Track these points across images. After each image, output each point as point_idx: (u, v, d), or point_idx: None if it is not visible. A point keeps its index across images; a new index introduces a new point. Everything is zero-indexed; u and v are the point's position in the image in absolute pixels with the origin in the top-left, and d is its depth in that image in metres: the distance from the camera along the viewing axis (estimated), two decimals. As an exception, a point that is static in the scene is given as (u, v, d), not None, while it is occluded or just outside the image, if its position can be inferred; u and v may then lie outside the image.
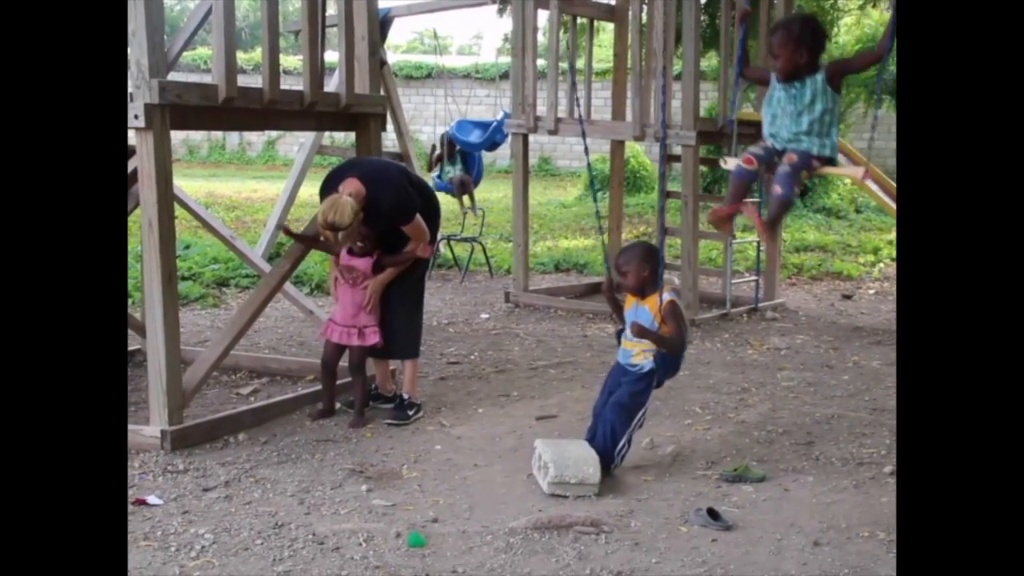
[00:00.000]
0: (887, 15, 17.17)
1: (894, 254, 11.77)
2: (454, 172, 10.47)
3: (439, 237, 8.91)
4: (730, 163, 5.20)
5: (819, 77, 4.57)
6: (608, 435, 4.45)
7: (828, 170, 4.96)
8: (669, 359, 4.45)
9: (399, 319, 5.38)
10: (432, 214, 5.45)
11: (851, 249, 12.33)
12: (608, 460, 4.44)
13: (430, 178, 10.32)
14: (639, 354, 4.44)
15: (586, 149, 5.43)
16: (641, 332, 4.32)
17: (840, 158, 5.23)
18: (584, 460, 4.29)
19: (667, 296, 4.41)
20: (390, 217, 5.12)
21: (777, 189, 4.64)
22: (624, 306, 4.54)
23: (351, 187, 4.98)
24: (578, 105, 5.73)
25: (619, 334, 4.56)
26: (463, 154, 10.54)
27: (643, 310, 4.43)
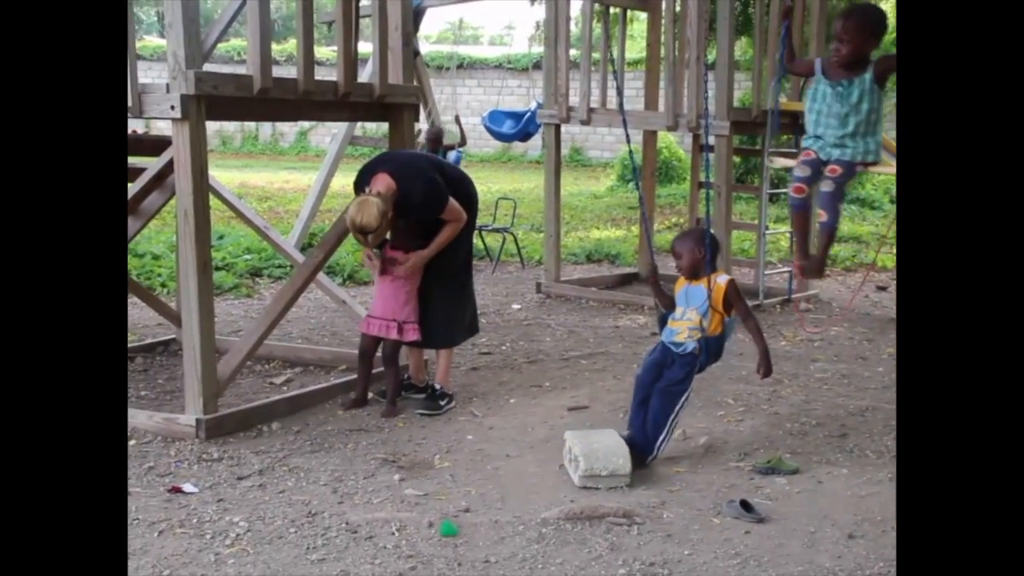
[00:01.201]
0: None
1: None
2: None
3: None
4: (777, 162, 5.20)
5: (867, 76, 4.49)
6: (651, 427, 4.47)
7: (874, 169, 4.93)
8: (713, 343, 4.47)
9: (436, 309, 5.39)
10: (468, 202, 5.45)
11: (886, 240, 12.22)
12: (647, 452, 4.47)
13: None
14: (684, 332, 4.44)
15: (628, 138, 5.47)
16: (767, 364, 4.53)
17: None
18: (614, 451, 4.29)
19: (724, 277, 4.48)
20: (422, 209, 5.15)
21: (822, 215, 4.63)
22: (676, 287, 4.57)
23: (382, 183, 5.02)
24: (619, 95, 5.70)
25: (663, 318, 4.59)
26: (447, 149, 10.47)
27: (698, 288, 4.44)
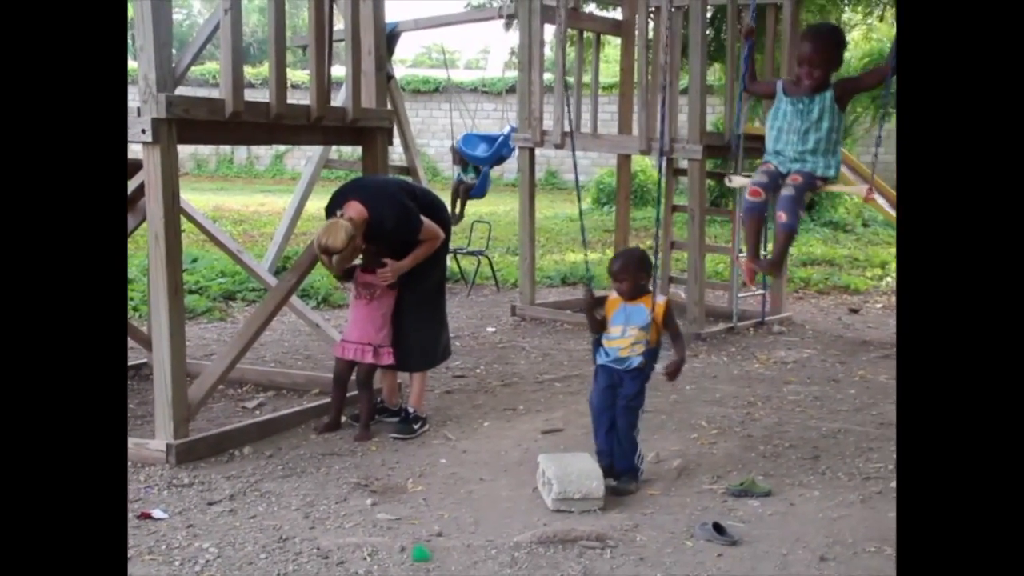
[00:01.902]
0: (895, 31, 17.19)
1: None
2: (465, 177, 10.56)
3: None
4: (736, 181, 5.23)
5: (828, 94, 4.57)
6: (626, 448, 4.50)
7: (833, 187, 4.98)
8: (654, 352, 4.56)
9: (411, 332, 5.38)
10: (441, 226, 5.45)
11: (858, 263, 12.31)
12: (634, 472, 4.51)
13: (451, 177, 10.50)
14: (627, 348, 4.49)
15: (575, 164, 5.60)
16: (678, 373, 4.58)
17: (846, 173, 5.28)
18: (587, 474, 4.29)
19: (662, 298, 4.58)
20: (397, 232, 5.15)
21: (782, 216, 4.66)
22: (606, 313, 4.58)
23: (353, 210, 5.03)
24: (570, 120, 5.86)
25: (597, 342, 4.61)
26: (476, 168, 10.62)
27: (638, 307, 4.51)
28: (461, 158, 10.71)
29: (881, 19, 14.95)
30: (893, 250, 13.15)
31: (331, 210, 5.15)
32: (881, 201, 6.66)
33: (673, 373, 4.56)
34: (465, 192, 10.60)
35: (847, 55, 4.83)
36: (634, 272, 4.51)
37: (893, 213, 6.71)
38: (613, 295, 4.58)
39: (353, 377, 5.38)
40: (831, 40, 4.70)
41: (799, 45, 4.75)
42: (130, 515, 4.10)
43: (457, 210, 10.61)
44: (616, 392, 4.51)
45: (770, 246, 5.43)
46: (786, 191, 4.67)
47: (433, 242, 5.28)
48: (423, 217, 5.20)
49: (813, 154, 4.63)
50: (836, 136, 4.68)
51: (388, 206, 5.13)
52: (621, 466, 4.51)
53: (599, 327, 4.60)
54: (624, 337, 4.49)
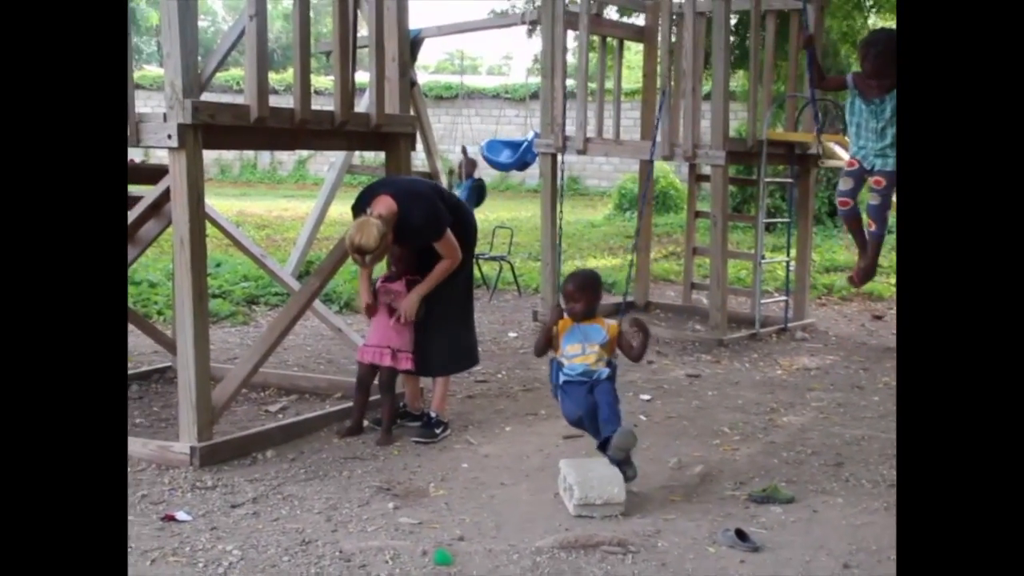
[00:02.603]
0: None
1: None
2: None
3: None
4: (830, 150, 5.65)
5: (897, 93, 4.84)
6: (611, 412, 4.43)
7: None
8: (614, 364, 4.56)
9: (434, 337, 5.39)
10: (467, 230, 5.48)
11: (882, 269, 12.22)
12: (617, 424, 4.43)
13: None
14: (592, 360, 4.46)
15: (562, 170, 5.56)
16: (641, 326, 4.63)
17: None
18: (609, 480, 4.28)
19: (612, 321, 4.61)
20: (421, 233, 5.16)
21: (872, 225, 5.05)
22: (559, 331, 4.54)
23: (383, 204, 5.04)
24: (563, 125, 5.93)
25: (557, 368, 4.55)
26: (479, 191, 10.54)
27: (594, 327, 4.51)
28: (459, 173, 10.59)
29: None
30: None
31: (360, 207, 5.15)
32: None
33: (639, 325, 4.58)
34: None
35: None
36: (589, 293, 4.52)
37: None
38: (565, 315, 4.55)
39: (376, 381, 5.40)
40: (888, 48, 4.95)
41: (860, 59, 5.02)
42: (155, 517, 4.13)
43: None
44: (592, 394, 4.46)
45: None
46: (872, 200, 5.01)
47: (451, 262, 5.27)
48: (449, 231, 5.22)
49: (893, 148, 4.97)
50: None
51: (417, 203, 5.14)
52: (609, 430, 4.38)
53: (545, 348, 4.59)
54: (586, 354, 4.47)
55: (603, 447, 4.44)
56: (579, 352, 4.48)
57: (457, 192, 10.40)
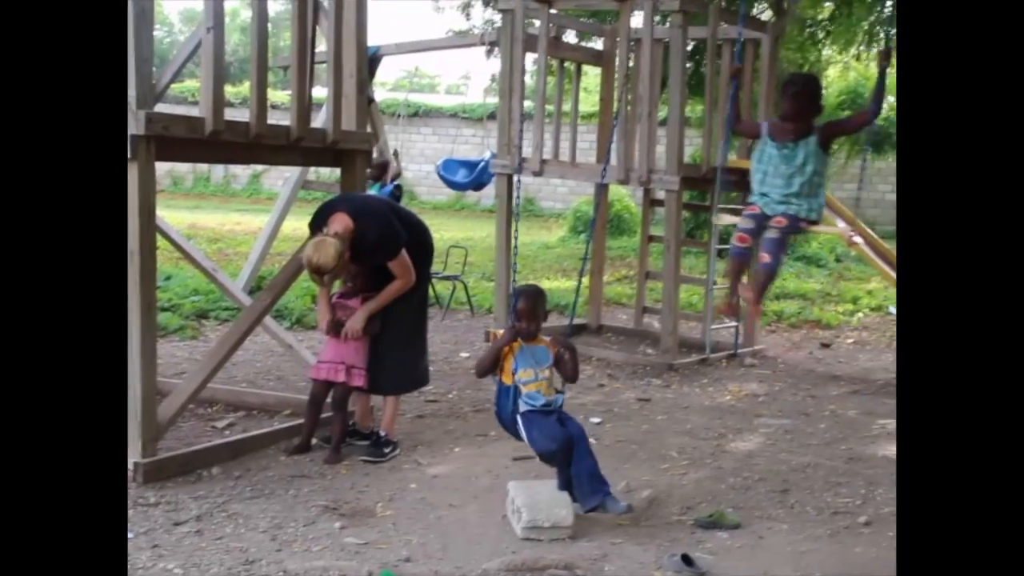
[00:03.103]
0: (871, 69, 17.41)
1: (873, 303, 11.83)
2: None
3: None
4: (723, 219, 5.36)
5: (812, 139, 4.75)
6: (595, 478, 4.43)
7: (816, 229, 5.09)
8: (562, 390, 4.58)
9: (387, 355, 5.37)
10: (424, 250, 5.48)
11: (830, 298, 12.40)
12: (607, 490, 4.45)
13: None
14: (545, 388, 4.46)
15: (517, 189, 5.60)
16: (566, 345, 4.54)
17: (828, 215, 5.47)
18: (557, 503, 4.28)
19: (548, 337, 4.55)
20: (376, 251, 5.15)
21: (765, 257, 4.83)
22: (504, 358, 4.50)
23: (340, 222, 5.02)
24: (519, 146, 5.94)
25: (510, 388, 4.50)
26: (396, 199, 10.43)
27: (540, 349, 4.49)
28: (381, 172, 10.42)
29: (857, 58, 15.13)
30: (865, 286, 13.25)
31: (316, 224, 5.14)
32: (859, 240, 6.77)
33: (563, 344, 4.51)
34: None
35: (824, 92, 5.03)
36: (540, 311, 4.49)
37: (871, 254, 6.84)
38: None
39: (329, 399, 5.36)
40: (807, 92, 4.86)
41: (779, 99, 4.90)
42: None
43: None
44: (561, 426, 4.43)
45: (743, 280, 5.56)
46: (770, 233, 4.82)
47: (404, 282, 5.26)
48: (404, 251, 5.20)
49: (798, 197, 4.79)
50: (820, 179, 4.84)
51: (373, 220, 5.13)
52: (598, 501, 4.40)
53: (492, 368, 4.55)
54: (538, 380, 4.45)
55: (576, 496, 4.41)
56: (532, 378, 4.44)
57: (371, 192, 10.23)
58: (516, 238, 5.48)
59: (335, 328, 5.30)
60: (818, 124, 4.82)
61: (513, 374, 4.47)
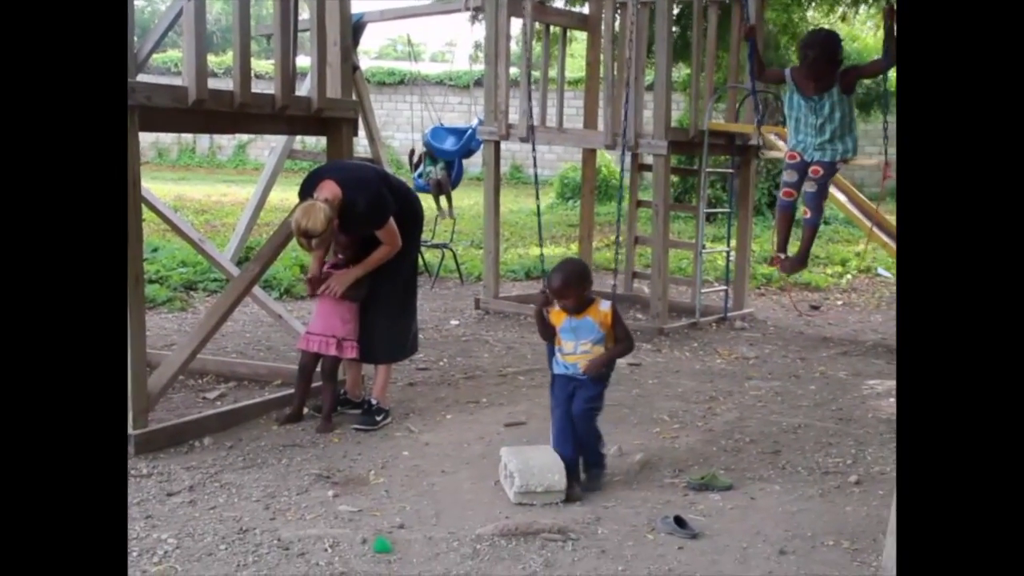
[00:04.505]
0: (855, 30, 17.35)
1: (862, 265, 11.87)
2: (435, 172, 10.42)
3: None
4: (770, 143, 5.79)
5: (835, 90, 5.16)
6: (592, 445, 4.47)
7: (854, 162, 5.37)
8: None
9: (379, 324, 5.36)
10: (414, 218, 5.46)
11: (819, 260, 12.42)
12: (600, 467, 4.49)
13: (411, 179, 10.33)
14: (584, 363, 4.41)
15: (535, 158, 5.72)
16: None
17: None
18: (549, 468, 4.29)
19: (606, 304, 4.43)
20: (365, 219, 5.12)
21: (807, 213, 5.19)
22: (554, 322, 4.46)
23: (328, 189, 4.99)
24: (530, 115, 6.04)
25: (552, 350, 4.52)
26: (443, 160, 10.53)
27: (585, 321, 4.38)
28: (421, 155, 10.57)
29: (843, 19, 15.06)
30: (853, 248, 13.28)
31: (305, 190, 5.10)
32: (882, 235, 6.99)
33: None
34: (444, 186, 10.47)
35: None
36: (576, 288, 4.35)
37: (885, 238, 7.00)
38: (557, 307, 4.44)
39: (318, 368, 5.36)
40: (827, 50, 5.13)
41: (799, 56, 5.14)
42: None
43: (444, 206, 10.53)
44: (569, 399, 4.45)
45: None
46: (809, 187, 5.13)
47: (390, 248, 5.23)
48: (392, 219, 5.18)
49: (831, 142, 5.29)
50: (849, 119, 5.36)
51: (362, 189, 5.10)
52: (593, 459, 4.49)
53: (549, 334, 4.51)
54: (577, 353, 4.40)
55: (590, 464, 4.49)
56: (572, 350, 4.41)
57: (439, 174, 10.29)
58: (538, 201, 5.57)
59: (314, 285, 5.26)
60: (839, 72, 5.10)
61: (560, 338, 4.45)
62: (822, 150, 5.21)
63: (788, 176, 5.43)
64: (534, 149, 5.97)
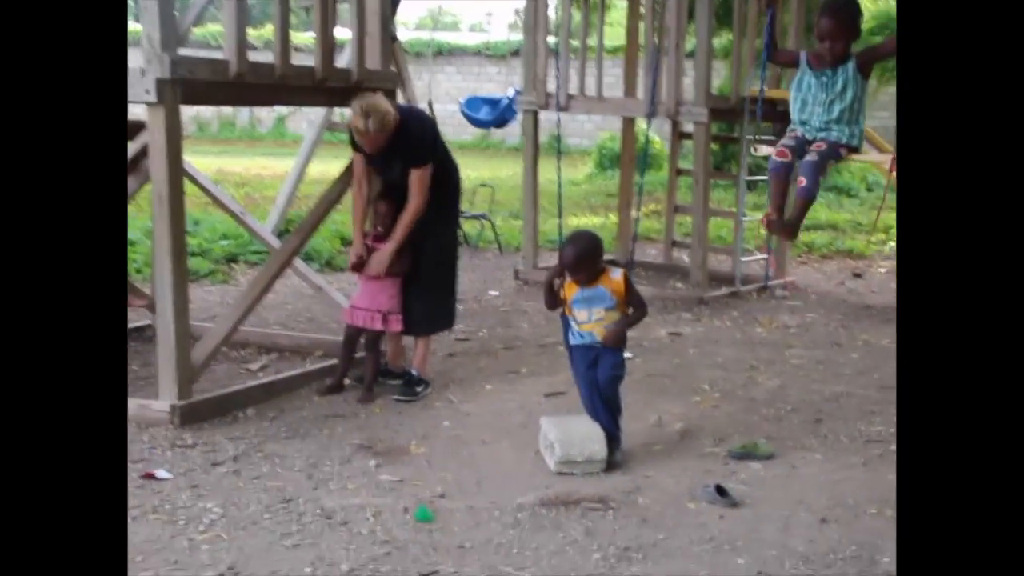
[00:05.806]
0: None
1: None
2: None
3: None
4: (761, 150, 5.30)
5: (850, 65, 4.72)
6: (611, 416, 4.44)
7: (856, 157, 5.04)
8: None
9: (419, 296, 5.38)
10: (454, 185, 5.50)
11: (862, 227, 12.28)
12: (617, 437, 4.46)
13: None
14: (600, 330, 4.40)
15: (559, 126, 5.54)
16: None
17: (867, 147, 5.36)
18: (590, 437, 4.30)
19: (617, 272, 4.42)
20: (410, 149, 5.17)
21: (802, 181, 4.80)
22: (564, 294, 4.45)
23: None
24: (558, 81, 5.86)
25: (567, 321, 4.51)
26: None
27: (597, 290, 4.37)
28: None
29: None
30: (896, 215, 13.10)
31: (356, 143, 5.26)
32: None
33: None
34: None
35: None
36: (588, 262, 4.34)
37: None
38: (569, 278, 4.43)
39: (362, 340, 5.39)
40: (848, 13, 4.77)
41: (817, 20, 4.83)
42: (134, 475, 4.12)
43: None
44: (597, 367, 4.42)
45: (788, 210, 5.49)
46: (809, 157, 4.80)
47: (418, 202, 5.18)
48: (430, 165, 5.20)
49: (838, 123, 4.78)
50: (860, 105, 4.82)
51: (417, 120, 5.37)
52: (610, 433, 4.44)
53: (556, 303, 4.50)
54: (592, 321, 4.39)
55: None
56: (586, 319, 4.41)
57: None
58: (560, 173, 5.44)
59: (358, 269, 5.29)
60: (856, 50, 4.76)
61: (572, 309, 4.45)
62: (827, 130, 4.82)
63: (785, 140, 5.02)
64: (560, 115, 5.82)
